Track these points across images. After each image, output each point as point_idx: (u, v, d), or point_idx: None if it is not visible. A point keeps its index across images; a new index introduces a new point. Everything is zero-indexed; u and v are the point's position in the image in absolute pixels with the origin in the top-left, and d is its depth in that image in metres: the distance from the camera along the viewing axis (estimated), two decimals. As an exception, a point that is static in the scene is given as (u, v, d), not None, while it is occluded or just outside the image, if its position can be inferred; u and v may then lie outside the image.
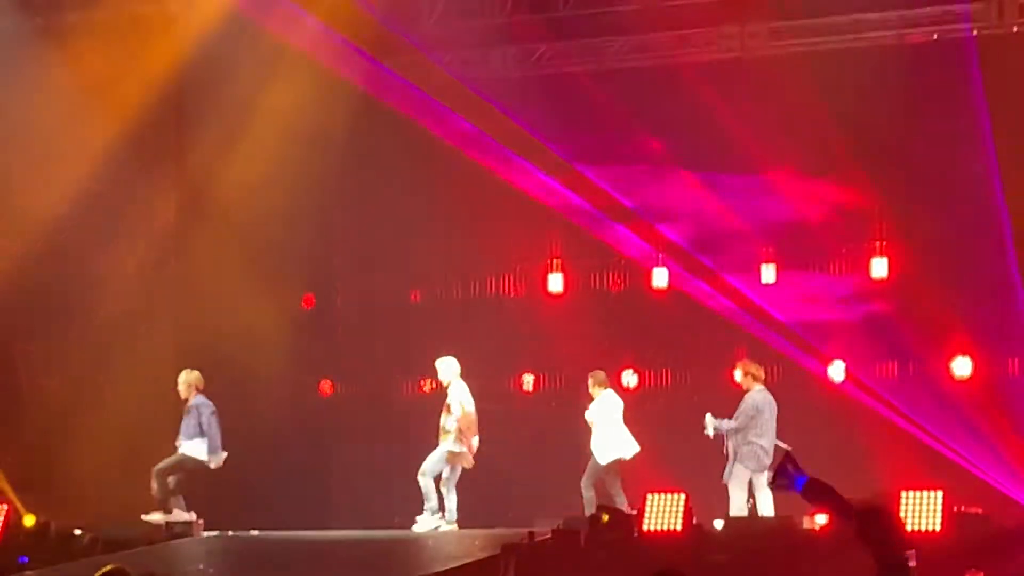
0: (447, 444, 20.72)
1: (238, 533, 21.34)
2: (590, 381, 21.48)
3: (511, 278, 25.63)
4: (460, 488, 21.03)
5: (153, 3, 23.56)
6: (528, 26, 23.51)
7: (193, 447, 20.84)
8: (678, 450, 21.81)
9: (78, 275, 23.71)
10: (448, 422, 20.77)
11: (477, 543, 19.20)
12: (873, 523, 8.53)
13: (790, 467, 8.65)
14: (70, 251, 23.61)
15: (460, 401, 20.83)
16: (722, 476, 20.29)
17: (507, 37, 23.77)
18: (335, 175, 24.15)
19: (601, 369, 21.71)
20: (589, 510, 20.17)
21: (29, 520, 20.70)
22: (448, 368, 21.01)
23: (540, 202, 24.10)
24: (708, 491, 20.31)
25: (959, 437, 22.01)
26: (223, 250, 23.94)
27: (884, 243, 23.58)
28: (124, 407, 23.05)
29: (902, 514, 17.84)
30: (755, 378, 20.51)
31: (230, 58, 22.99)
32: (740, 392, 20.63)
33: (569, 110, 23.64)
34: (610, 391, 21.56)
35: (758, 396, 20.38)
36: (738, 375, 20.70)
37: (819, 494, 8.65)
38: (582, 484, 21.18)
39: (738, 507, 19.98)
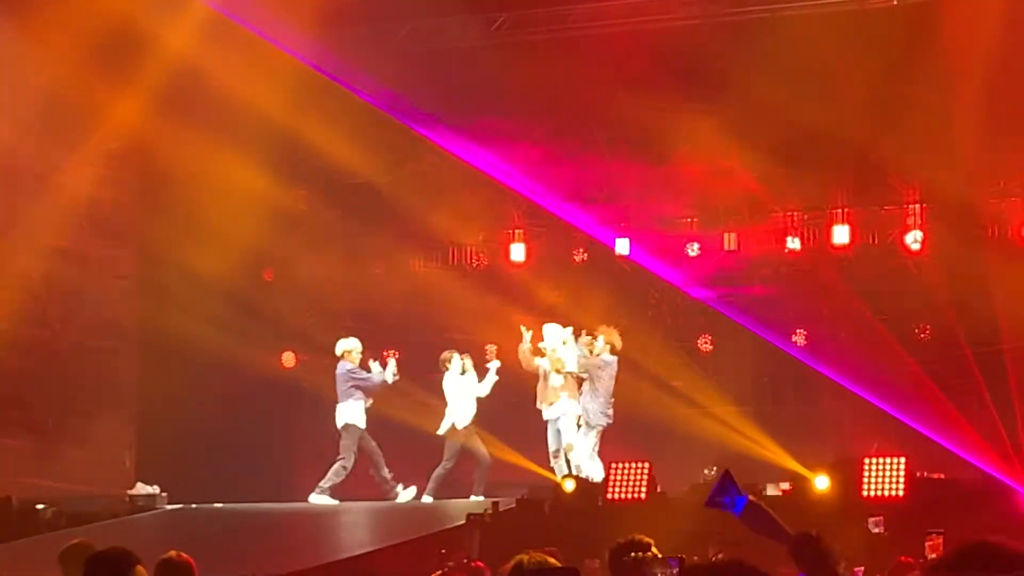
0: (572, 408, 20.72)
1: (201, 506, 21.30)
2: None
3: (472, 249, 25.56)
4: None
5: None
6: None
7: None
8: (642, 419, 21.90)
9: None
10: (557, 381, 20.79)
11: (442, 513, 19.20)
12: (806, 549, 8.75)
13: (730, 488, 8.60)
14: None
15: (569, 364, 20.86)
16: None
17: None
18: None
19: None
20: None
21: (-9, 494, 20.61)
22: (559, 335, 21.03)
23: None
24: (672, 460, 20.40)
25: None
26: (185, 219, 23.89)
27: (846, 211, 23.62)
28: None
29: (866, 480, 17.94)
30: (614, 347, 20.76)
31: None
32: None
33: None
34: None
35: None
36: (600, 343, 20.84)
37: (756, 517, 8.65)
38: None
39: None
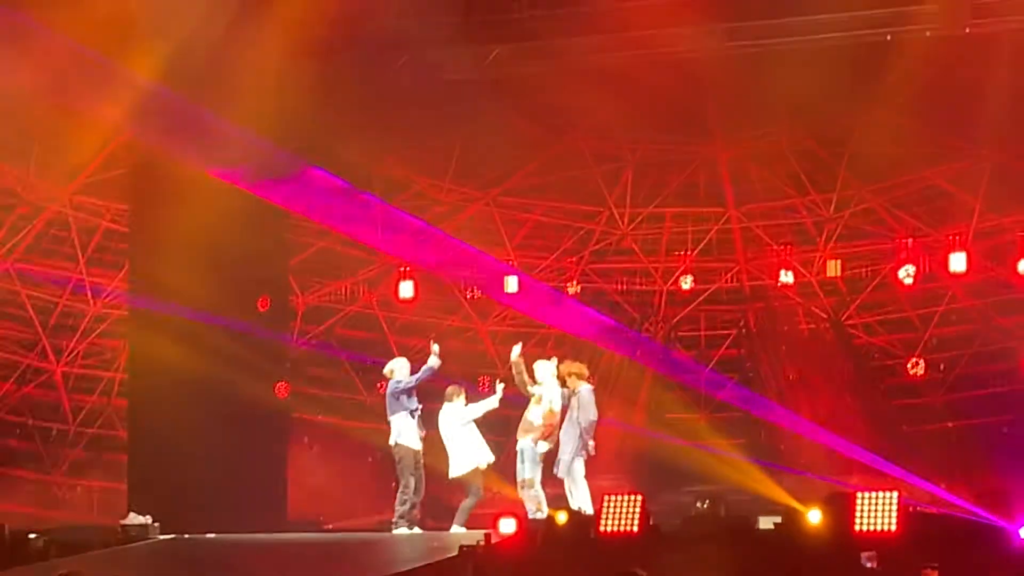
0: (534, 446, 20.50)
1: (194, 536, 21.26)
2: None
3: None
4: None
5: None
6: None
7: None
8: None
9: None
10: (535, 417, 20.57)
11: (435, 545, 19.16)
12: None
13: None
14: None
15: (550, 399, 20.64)
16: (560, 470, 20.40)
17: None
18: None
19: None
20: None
21: (-17, 523, 20.55)
22: (546, 369, 20.83)
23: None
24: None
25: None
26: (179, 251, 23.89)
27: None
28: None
29: (858, 514, 17.92)
30: (579, 376, 20.64)
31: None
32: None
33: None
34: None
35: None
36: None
37: None
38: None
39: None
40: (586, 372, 20.78)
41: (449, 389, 21.15)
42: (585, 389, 20.53)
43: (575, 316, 25.92)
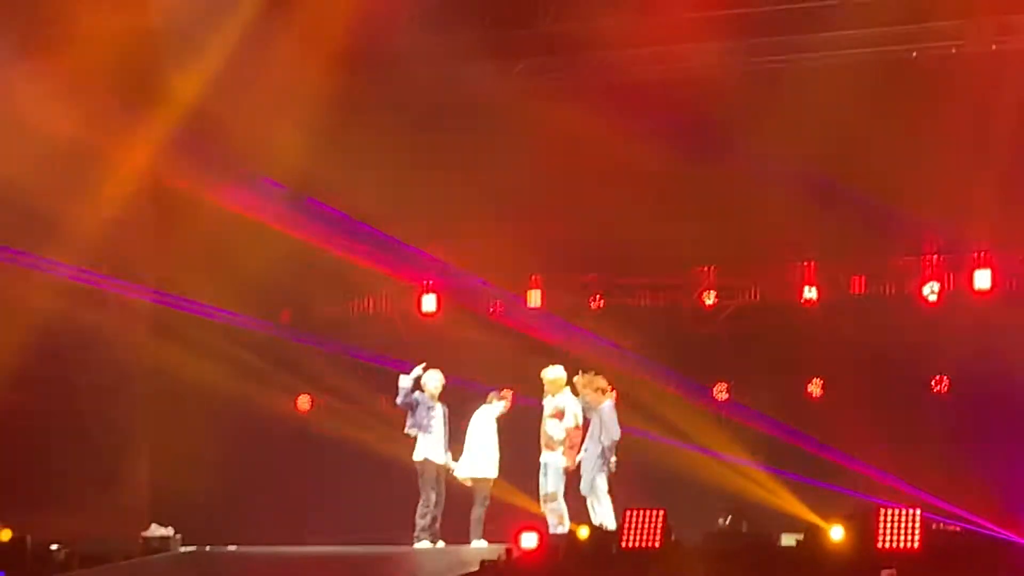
0: (559, 460, 20.54)
1: (216, 548, 21.29)
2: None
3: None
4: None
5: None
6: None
7: None
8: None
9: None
10: (557, 431, 20.63)
11: (456, 559, 19.17)
12: None
13: None
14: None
15: (574, 412, 20.70)
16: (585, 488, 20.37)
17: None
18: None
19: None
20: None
21: (5, 535, 20.58)
22: (558, 378, 20.88)
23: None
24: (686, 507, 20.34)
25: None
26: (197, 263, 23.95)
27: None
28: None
29: (881, 531, 17.86)
30: (601, 391, 20.60)
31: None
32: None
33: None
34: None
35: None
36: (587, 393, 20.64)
37: None
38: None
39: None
40: (607, 386, 20.77)
41: (491, 394, 21.32)
42: (607, 406, 20.53)
43: (597, 331, 25.86)
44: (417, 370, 21.24)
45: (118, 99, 22.25)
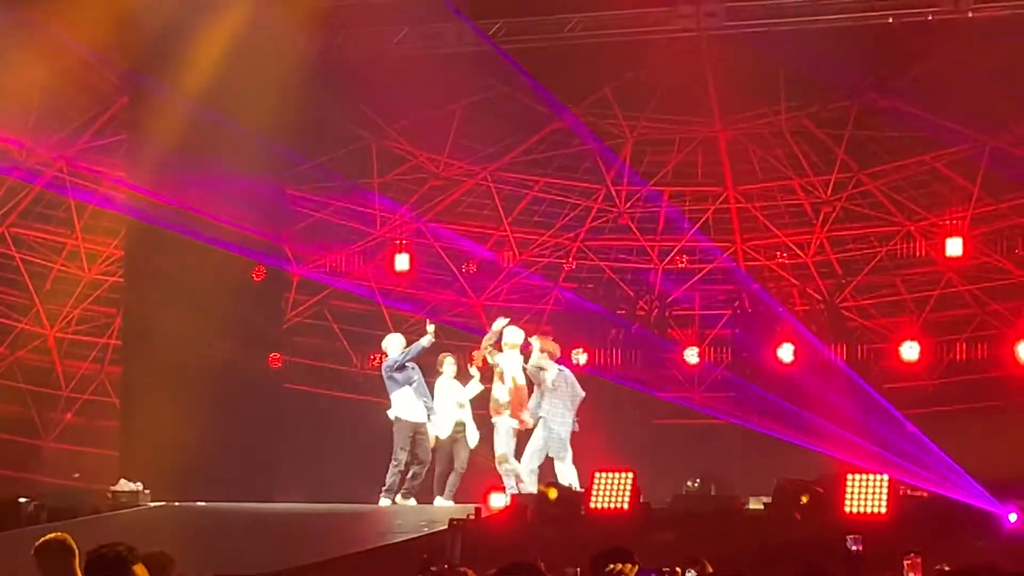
0: (507, 421, 20.40)
1: (184, 503, 21.26)
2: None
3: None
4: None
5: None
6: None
7: None
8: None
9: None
10: (501, 393, 20.45)
11: (425, 518, 19.16)
12: None
13: None
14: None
15: (512, 374, 20.53)
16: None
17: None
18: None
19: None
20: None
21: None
22: (515, 337, 20.69)
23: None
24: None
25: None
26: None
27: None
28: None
29: (848, 496, 17.87)
30: (551, 355, 20.51)
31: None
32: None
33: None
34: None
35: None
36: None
37: None
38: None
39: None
40: (558, 353, 20.60)
41: (440, 356, 21.21)
42: (567, 370, 20.46)
43: (570, 293, 25.92)
44: (431, 328, 21.04)
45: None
